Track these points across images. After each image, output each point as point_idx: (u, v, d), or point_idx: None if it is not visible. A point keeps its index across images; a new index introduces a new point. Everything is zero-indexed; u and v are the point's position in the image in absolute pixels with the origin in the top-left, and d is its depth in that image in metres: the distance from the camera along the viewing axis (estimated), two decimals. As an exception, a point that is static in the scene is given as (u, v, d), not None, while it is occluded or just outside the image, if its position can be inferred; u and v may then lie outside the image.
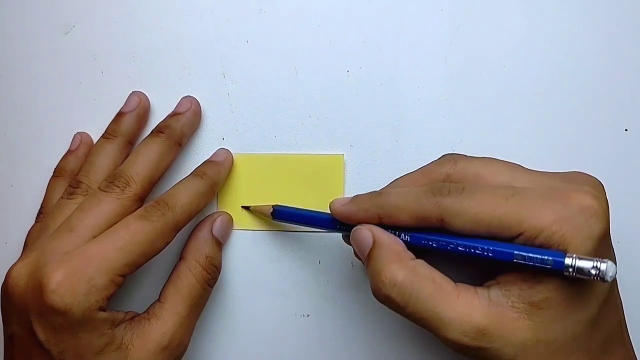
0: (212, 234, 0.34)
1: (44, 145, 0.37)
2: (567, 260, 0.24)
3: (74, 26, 0.37)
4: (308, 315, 0.36)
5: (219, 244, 0.35)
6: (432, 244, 0.28)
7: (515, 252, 0.25)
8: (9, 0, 0.37)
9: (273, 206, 0.34)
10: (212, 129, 0.36)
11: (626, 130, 0.34)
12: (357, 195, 0.30)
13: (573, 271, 0.24)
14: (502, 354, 0.25)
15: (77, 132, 0.36)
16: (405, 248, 0.28)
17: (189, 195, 0.32)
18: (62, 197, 0.33)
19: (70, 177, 0.35)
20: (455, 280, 0.27)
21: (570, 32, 0.34)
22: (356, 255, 0.34)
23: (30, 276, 0.29)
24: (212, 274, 0.33)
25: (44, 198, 0.35)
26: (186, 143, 0.36)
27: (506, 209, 0.26)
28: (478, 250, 0.26)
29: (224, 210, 0.36)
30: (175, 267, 0.33)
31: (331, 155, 0.35)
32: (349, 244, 0.31)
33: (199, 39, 0.36)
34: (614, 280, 0.28)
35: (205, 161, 0.35)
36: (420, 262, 0.27)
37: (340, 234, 0.34)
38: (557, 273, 0.25)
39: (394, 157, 0.35)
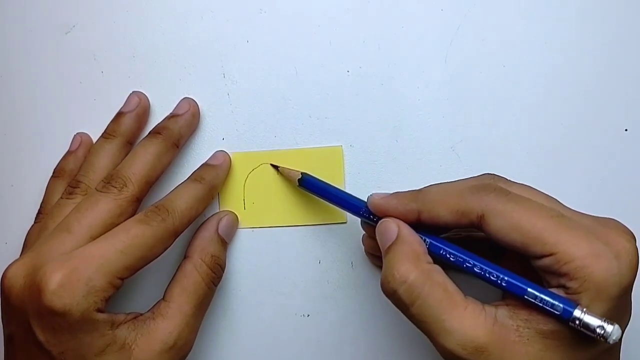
0: (218, 233, 0.34)
1: (44, 145, 0.37)
2: (577, 313, 0.24)
3: (74, 26, 0.37)
4: (308, 315, 0.36)
5: (224, 243, 0.35)
6: (450, 257, 0.28)
7: (528, 289, 0.25)
8: (9, 0, 0.37)
9: (302, 173, 0.34)
10: (212, 129, 0.36)
11: (626, 130, 0.34)
12: (397, 192, 0.30)
13: (579, 325, 0.24)
14: None
15: (77, 133, 0.36)
16: (426, 251, 0.28)
17: (188, 201, 0.32)
18: (61, 197, 0.33)
19: (69, 177, 0.35)
20: (466, 294, 0.27)
21: (570, 32, 0.34)
22: (367, 253, 0.34)
23: (27, 277, 0.29)
24: (218, 273, 0.33)
25: (44, 198, 0.35)
26: (184, 144, 0.36)
27: (548, 224, 0.25)
28: (493, 276, 0.26)
29: (230, 210, 0.36)
30: (180, 266, 0.33)
31: (330, 147, 0.35)
32: (365, 230, 0.31)
33: (199, 39, 0.36)
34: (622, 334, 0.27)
35: (203, 165, 0.35)
36: (436, 268, 0.27)
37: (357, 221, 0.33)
38: (563, 321, 0.25)
39: (394, 157, 0.35)
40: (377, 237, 0.30)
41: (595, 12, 0.34)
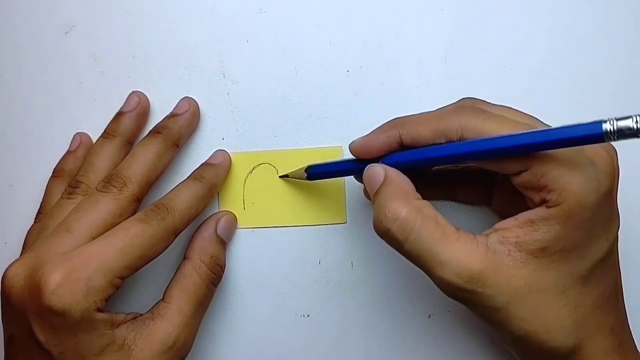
0: (217, 234, 0.34)
1: (44, 145, 0.37)
2: (605, 126, 0.23)
3: (74, 26, 0.37)
4: (308, 315, 0.36)
5: (224, 243, 0.35)
6: (466, 148, 0.27)
7: (551, 139, 0.24)
8: (9, 0, 0.37)
9: (306, 168, 0.34)
10: (212, 129, 0.36)
11: (626, 130, 0.34)
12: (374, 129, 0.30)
13: (615, 135, 0.23)
14: (495, 301, 0.26)
15: (77, 133, 0.36)
16: (414, 189, 0.28)
17: (188, 199, 0.32)
18: (61, 197, 0.33)
19: (69, 177, 0.35)
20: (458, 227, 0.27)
21: (570, 32, 0.34)
22: (366, 195, 0.34)
23: (27, 277, 0.29)
24: (217, 274, 0.33)
25: (43, 198, 0.35)
26: (184, 144, 0.36)
27: None
28: (517, 146, 0.25)
29: (228, 210, 0.36)
30: (179, 267, 0.33)
31: (330, 148, 0.35)
32: (361, 181, 0.31)
33: (199, 39, 0.36)
34: (614, 243, 0.28)
35: (203, 164, 0.35)
36: (426, 203, 0.28)
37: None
38: (597, 140, 0.24)
39: (394, 157, 0.35)
40: (365, 184, 0.30)
41: (595, 11, 0.34)
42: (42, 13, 0.37)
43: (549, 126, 0.27)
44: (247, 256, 0.36)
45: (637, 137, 0.23)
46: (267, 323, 0.36)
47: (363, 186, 0.34)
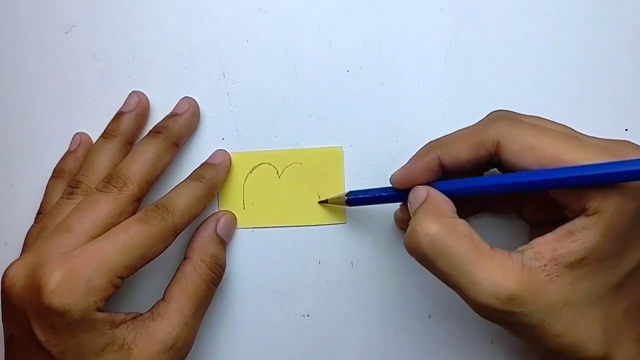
0: (217, 234, 0.34)
1: (44, 145, 0.37)
2: None
3: (74, 26, 0.37)
4: (308, 315, 0.36)
5: (224, 243, 0.35)
6: (478, 190, 0.28)
7: (616, 170, 0.24)
8: (9, 0, 0.37)
9: (347, 195, 0.34)
10: (212, 129, 0.36)
11: (626, 130, 0.34)
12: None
13: None
14: (531, 319, 0.25)
15: (77, 133, 0.36)
16: (454, 209, 0.28)
17: (188, 199, 0.32)
18: (61, 197, 0.33)
19: (69, 177, 0.35)
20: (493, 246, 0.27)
21: (570, 32, 0.34)
22: (396, 219, 0.34)
23: (27, 277, 0.29)
24: (218, 274, 0.33)
25: (43, 198, 0.35)
26: (184, 144, 0.36)
27: (562, 144, 0.26)
28: (568, 180, 0.25)
29: (228, 209, 0.36)
30: (180, 267, 0.33)
31: (330, 148, 0.35)
32: (402, 225, 0.31)
33: (199, 39, 0.36)
34: None
35: (203, 164, 0.35)
36: (461, 221, 0.27)
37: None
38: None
39: (394, 157, 0.35)
40: (409, 207, 0.30)
41: (595, 11, 0.34)
42: (42, 13, 0.37)
43: (583, 134, 0.27)
44: (247, 256, 0.36)
45: None
46: (267, 323, 0.36)
47: (395, 215, 0.34)
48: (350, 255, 0.35)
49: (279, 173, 0.36)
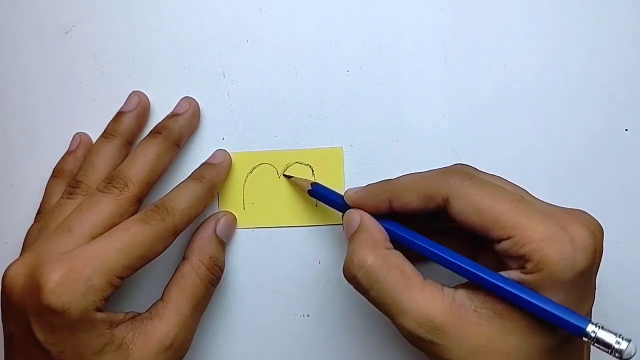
0: (216, 234, 0.34)
1: (44, 145, 0.37)
2: (590, 328, 0.24)
3: (74, 26, 0.37)
4: (308, 315, 0.36)
5: (223, 244, 0.35)
6: (410, 245, 0.29)
7: (546, 307, 0.25)
8: (9, 0, 0.37)
9: (312, 183, 0.34)
10: (212, 129, 0.36)
11: (626, 130, 0.34)
12: (369, 184, 0.31)
13: (593, 341, 0.24)
14: (453, 354, 0.26)
15: (77, 133, 0.36)
16: (387, 237, 0.29)
17: (188, 199, 0.32)
18: (61, 197, 0.33)
19: (69, 177, 0.35)
20: (426, 278, 0.28)
21: (570, 32, 0.34)
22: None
23: (27, 276, 0.29)
24: (216, 274, 0.33)
25: (43, 198, 0.35)
26: (184, 144, 0.36)
27: (507, 208, 0.26)
28: (456, 266, 0.27)
29: (227, 210, 0.36)
30: (178, 267, 0.33)
31: (331, 149, 0.35)
32: None
33: (199, 39, 0.36)
34: None
35: (203, 163, 0.35)
36: (395, 253, 0.28)
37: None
38: (576, 334, 0.25)
39: (394, 157, 0.35)
40: (344, 228, 0.31)
41: (595, 11, 0.34)
42: (42, 13, 0.37)
43: (535, 198, 0.28)
44: (247, 256, 0.36)
45: (612, 354, 0.24)
46: (267, 323, 0.36)
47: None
48: (350, 255, 0.35)
49: (279, 173, 0.36)
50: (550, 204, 0.28)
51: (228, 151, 0.36)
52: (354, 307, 0.36)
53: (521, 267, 0.26)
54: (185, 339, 0.31)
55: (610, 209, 0.34)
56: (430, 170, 0.30)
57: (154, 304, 0.31)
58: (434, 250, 0.28)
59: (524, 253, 0.25)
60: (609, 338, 0.24)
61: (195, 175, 0.34)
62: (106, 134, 0.35)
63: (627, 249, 0.34)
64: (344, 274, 0.29)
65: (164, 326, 0.30)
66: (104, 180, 0.32)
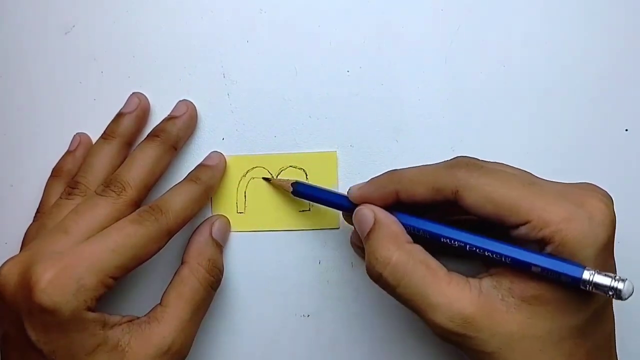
0: (213, 237, 0.34)
1: (44, 145, 0.37)
2: (585, 275, 0.24)
3: (74, 26, 0.37)
4: (308, 315, 0.36)
5: (220, 246, 0.34)
6: (427, 235, 0.28)
7: (533, 263, 0.25)
8: (8, 0, 0.37)
9: (292, 184, 0.34)
10: (211, 129, 0.36)
11: (626, 130, 0.34)
12: (372, 178, 0.31)
13: (590, 286, 0.24)
14: (487, 345, 0.26)
15: (77, 133, 0.36)
16: (404, 231, 0.29)
17: (183, 200, 0.32)
18: (60, 198, 0.33)
19: (68, 177, 0.35)
20: (450, 270, 0.27)
21: (570, 32, 0.34)
22: (352, 244, 0.34)
23: (20, 275, 0.29)
24: (216, 277, 0.33)
25: (42, 198, 0.35)
26: (182, 146, 0.36)
27: (521, 193, 0.26)
28: (494, 255, 0.27)
29: (220, 214, 0.36)
30: (177, 272, 0.33)
31: (325, 153, 0.35)
32: (350, 223, 0.31)
33: (199, 39, 0.36)
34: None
35: (199, 165, 0.35)
36: (417, 247, 0.28)
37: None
38: (574, 285, 0.25)
39: (394, 157, 0.35)
40: (356, 227, 0.30)
41: (595, 12, 0.34)
42: (42, 13, 0.37)
43: (542, 179, 0.28)
44: (247, 256, 0.36)
45: (611, 296, 0.24)
46: (267, 323, 0.36)
47: (352, 230, 0.34)
48: (350, 255, 0.35)
49: (273, 177, 0.36)
50: (559, 183, 0.28)
51: (228, 151, 0.36)
52: (354, 307, 0.36)
53: (542, 249, 0.26)
54: (184, 343, 0.31)
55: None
56: (435, 164, 0.29)
57: (152, 309, 0.31)
58: (462, 237, 0.27)
59: (543, 236, 0.25)
60: (606, 281, 0.24)
61: (191, 177, 0.34)
62: (105, 135, 0.35)
63: (627, 249, 0.34)
64: (369, 274, 0.28)
65: (161, 330, 0.30)
66: (102, 184, 0.32)
